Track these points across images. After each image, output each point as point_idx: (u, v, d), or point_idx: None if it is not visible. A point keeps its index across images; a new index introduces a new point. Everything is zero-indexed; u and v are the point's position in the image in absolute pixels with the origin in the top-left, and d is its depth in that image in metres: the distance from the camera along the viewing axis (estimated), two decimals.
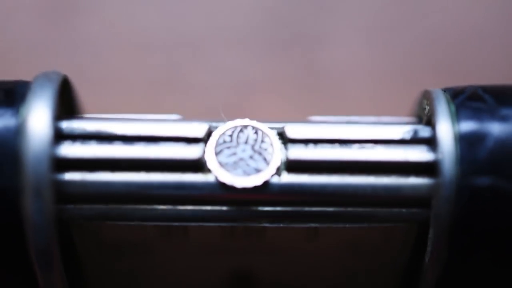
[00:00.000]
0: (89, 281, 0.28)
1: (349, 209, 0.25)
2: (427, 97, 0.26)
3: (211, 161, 0.25)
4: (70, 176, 0.25)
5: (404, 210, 0.25)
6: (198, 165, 0.25)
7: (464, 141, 0.24)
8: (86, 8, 0.43)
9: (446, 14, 0.43)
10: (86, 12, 0.42)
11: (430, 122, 0.26)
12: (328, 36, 0.42)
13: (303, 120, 0.29)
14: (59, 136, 0.25)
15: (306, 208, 0.25)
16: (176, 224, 0.26)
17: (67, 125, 0.25)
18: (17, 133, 0.24)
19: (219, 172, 0.25)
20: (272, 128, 0.26)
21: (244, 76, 0.41)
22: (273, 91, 0.39)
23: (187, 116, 0.29)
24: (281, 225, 0.26)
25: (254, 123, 0.26)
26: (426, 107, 0.26)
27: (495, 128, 0.25)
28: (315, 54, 0.42)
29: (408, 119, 0.28)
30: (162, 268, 0.29)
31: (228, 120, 0.27)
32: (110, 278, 0.29)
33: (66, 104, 0.28)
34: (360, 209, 0.25)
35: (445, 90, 0.26)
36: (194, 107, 0.38)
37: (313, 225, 0.26)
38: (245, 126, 0.26)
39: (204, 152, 0.25)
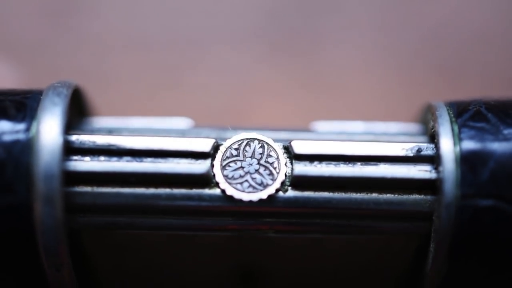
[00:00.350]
0: (98, 281, 0.29)
1: (352, 222, 0.26)
2: (431, 112, 0.27)
3: (218, 175, 0.26)
4: (80, 189, 0.25)
5: (405, 223, 0.26)
6: (205, 179, 0.25)
7: (466, 162, 0.25)
8: (86, 8, 0.42)
9: (447, 14, 0.43)
10: (86, 12, 0.42)
11: (433, 138, 0.26)
12: (330, 36, 0.42)
13: (306, 126, 0.29)
14: (70, 150, 0.25)
15: (310, 221, 0.26)
16: (183, 233, 0.27)
17: (77, 139, 0.26)
18: (29, 148, 0.25)
19: (226, 185, 0.25)
20: (277, 141, 0.26)
21: (244, 76, 0.41)
22: (273, 91, 0.39)
23: (193, 117, 0.30)
24: (286, 236, 0.27)
25: (260, 136, 0.26)
26: (431, 121, 0.27)
27: (498, 149, 0.25)
28: (316, 55, 0.42)
29: (413, 127, 0.29)
30: (169, 267, 0.30)
31: (233, 128, 0.27)
32: (119, 277, 0.30)
33: (78, 108, 0.28)
34: (362, 222, 0.26)
35: (449, 105, 0.27)
36: (194, 107, 0.38)
37: (316, 236, 0.27)
38: (252, 140, 0.26)
39: (211, 166, 0.26)
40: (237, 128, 0.27)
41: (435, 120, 0.26)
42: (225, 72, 0.41)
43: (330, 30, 0.42)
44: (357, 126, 0.29)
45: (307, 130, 0.29)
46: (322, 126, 0.29)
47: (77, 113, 0.28)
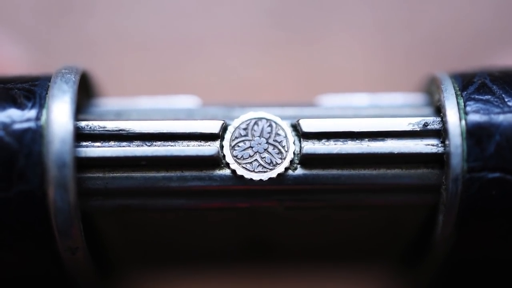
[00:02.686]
0: (113, 262, 0.30)
1: (361, 197, 0.26)
2: (436, 84, 0.27)
3: (227, 156, 0.26)
4: (92, 174, 0.26)
5: (413, 196, 0.26)
6: (215, 161, 0.26)
7: (472, 136, 0.25)
8: (86, 8, 0.42)
9: (447, 14, 0.43)
10: (86, 12, 0.42)
11: (439, 111, 0.26)
12: (330, 36, 0.42)
13: (311, 101, 0.30)
14: (80, 137, 0.26)
15: (320, 198, 0.26)
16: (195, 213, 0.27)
17: (87, 124, 0.26)
18: (40, 137, 0.25)
19: (236, 166, 0.26)
20: (284, 118, 0.27)
21: (244, 76, 0.41)
22: (273, 91, 0.39)
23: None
24: (295, 212, 0.27)
25: (268, 115, 0.26)
26: (436, 94, 0.27)
27: (503, 122, 0.25)
28: (316, 54, 0.42)
29: (418, 98, 0.29)
30: (181, 245, 0.30)
31: (240, 105, 0.28)
32: (133, 257, 0.30)
33: (85, 90, 0.28)
34: (371, 197, 0.26)
35: (454, 78, 0.27)
36: None
37: (326, 213, 0.27)
38: (260, 119, 0.26)
39: (220, 147, 0.26)
40: (244, 105, 0.28)
41: (440, 93, 0.26)
42: (225, 72, 0.42)
43: (330, 29, 0.42)
44: (363, 98, 0.29)
45: (313, 105, 0.29)
46: (327, 100, 0.29)
47: (85, 95, 0.28)
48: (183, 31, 0.42)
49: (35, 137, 0.25)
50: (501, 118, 0.25)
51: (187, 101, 0.29)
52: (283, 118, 0.27)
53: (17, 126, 0.25)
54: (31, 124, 0.25)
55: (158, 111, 0.28)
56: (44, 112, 0.25)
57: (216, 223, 0.29)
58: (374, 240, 0.31)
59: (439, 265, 0.28)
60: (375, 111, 0.28)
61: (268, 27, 0.43)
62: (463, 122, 0.25)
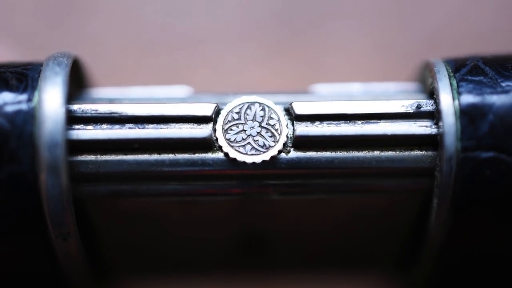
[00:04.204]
0: (105, 249, 0.29)
1: (355, 180, 0.26)
2: (429, 68, 0.27)
3: (220, 139, 0.26)
4: (84, 157, 0.26)
5: (408, 180, 0.26)
6: (208, 144, 0.26)
7: (465, 116, 0.25)
8: (86, 8, 0.43)
9: (447, 13, 0.43)
10: (86, 12, 0.43)
11: (432, 94, 0.26)
12: (330, 35, 0.42)
13: (305, 89, 0.30)
14: (72, 120, 0.26)
15: (313, 181, 0.26)
16: (188, 198, 0.27)
17: (79, 108, 0.26)
18: (32, 118, 0.25)
19: (229, 149, 0.26)
20: (278, 103, 0.27)
21: (244, 75, 0.42)
22: (273, 90, 0.39)
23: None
24: (290, 197, 0.27)
25: (261, 99, 0.26)
26: (429, 78, 0.27)
27: (496, 101, 0.25)
28: (316, 54, 0.42)
29: (411, 85, 0.29)
30: (174, 233, 0.30)
31: (234, 93, 0.28)
32: (125, 244, 0.30)
33: (78, 79, 0.28)
34: (365, 181, 0.26)
35: (447, 62, 0.27)
36: None
37: (320, 196, 0.27)
38: (252, 103, 0.26)
39: (213, 130, 0.26)
40: (237, 93, 0.28)
41: (433, 76, 0.26)
42: (225, 72, 0.42)
43: (330, 29, 0.42)
44: (356, 87, 0.29)
45: (306, 92, 0.29)
46: (321, 88, 0.29)
47: (77, 84, 0.28)
48: (183, 31, 0.43)
49: (27, 118, 0.25)
50: (494, 98, 0.25)
51: (180, 90, 0.29)
52: (276, 103, 0.26)
53: (9, 108, 0.25)
54: (23, 106, 0.25)
55: (151, 98, 0.28)
56: (36, 94, 0.25)
57: (210, 216, 0.29)
58: (371, 236, 0.30)
59: (436, 255, 0.27)
60: (369, 97, 0.28)
61: (267, 26, 0.43)
62: (456, 102, 0.25)
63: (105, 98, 0.28)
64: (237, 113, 0.26)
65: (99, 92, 0.29)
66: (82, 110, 0.26)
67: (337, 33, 0.42)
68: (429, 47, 0.42)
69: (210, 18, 0.43)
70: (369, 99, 0.27)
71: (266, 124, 0.26)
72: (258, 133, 0.26)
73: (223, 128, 0.26)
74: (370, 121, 0.26)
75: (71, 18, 0.43)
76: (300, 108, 0.26)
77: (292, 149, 0.26)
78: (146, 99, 0.27)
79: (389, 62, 0.42)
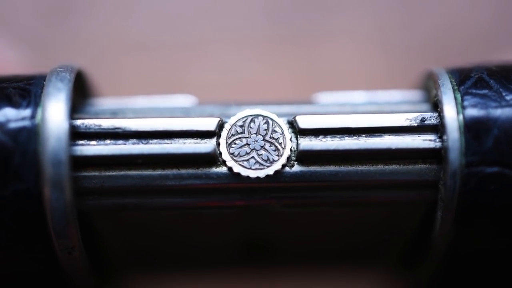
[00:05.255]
0: (110, 262, 0.30)
1: (359, 194, 0.26)
2: (434, 79, 0.27)
3: (224, 153, 0.26)
4: (88, 173, 0.26)
5: (412, 192, 0.26)
6: (212, 158, 0.26)
7: (470, 130, 0.25)
8: (86, 8, 0.42)
9: (447, 14, 0.43)
10: (86, 12, 0.42)
11: (436, 106, 0.26)
12: (330, 35, 0.42)
13: (308, 99, 0.29)
14: (76, 135, 0.25)
15: (317, 195, 0.26)
16: (192, 212, 0.27)
17: (82, 123, 0.26)
18: (35, 135, 0.25)
19: (232, 163, 0.26)
20: (281, 115, 0.26)
21: (244, 76, 0.41)
22: (272, 92, 0.39)
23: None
24: (293, 210, 0.27)
25: (265, 112, 0.26)
26: (433, 89, 0.27)
27: (501, 116, 0.25)
28: (316, 53, 0.42)
29: (415, 94, 0.29)
30: (178, 244, 0.30)
31: (236, 103, 0.27)
32: (130, 257, 0.30)
33: (81, 90, 0.28)
34: (369, 194, 0.26)
35: (451, 73, 0.27)
36: None
37: (324, 209, 0.27)
38: (256, 116, 0.26)
39: (217, 144, 0.26)
40: (240, 103, 0.27)
41: (437, 88, 0.26)
42: (225, 72, 0.42)
43: (330, 28, 0.42)
44: (360, 96, 0.29)
45: (310, 102, 0.29)
46: (324, 97, 0.29)
47: (81, 95, 0.28)
48: (182, 32, 0.42)
49: (30, 135, 0.25)
50: (498, 112, 0.25)
51: (183, 100, 0.29)
52: (279, 115, 0.26)
53: (12, 125, 0.25)
54: (26, 123, 0.25)
55: (154, 109, 0.28)
56: (39, 110, 0.25)
57: (213, 224, 0.29)
58: (373, 240, 0.30)
59: (438, 263, 0.28)
60: (372, 108, 0.28)
61: (267, 28, 0.43)
62: (461, 116, 0.25)
63: (108, 110, 0.28)
64: (241, 126, 0.26)
65: (102, 102, 0.29)
66: (86, 126, 0.26)
67: (339, 33, 0.42)
68: (431, 48, 0.41)
69: (210, 19, 0.43)
70: (373, 110, 0.27)
71: (270, 137, 0.26)
72: (262, 147, 0.26)
73: (226, 142, 0.26)
74: (374, 134, 0.26)
75: (71, 18, 0.42)
76: (304, 121, 0.26)
77: (296, 163, 0.26)
78: (149, 111, 0.27)
79: (390, 62, 0.41)
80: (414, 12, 0.43)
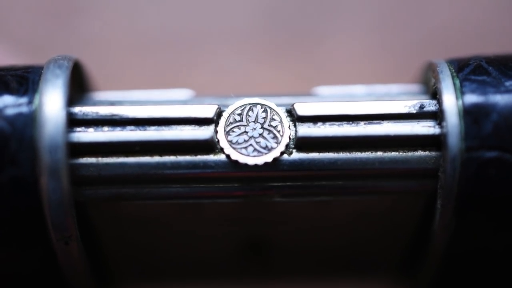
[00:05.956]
0: (108, 254, 0.29)
1: (358, 182, 0.26)
2: (432, 69, 0.27)
3: (222, 141, 0.26)
4: (85, 160, 0.25)
5: (411, 181, 0.26)
6: (210, 145, 0.25)
7: (469, 116, 0.25)
8: (86, 8, 0.43)
9: (447, 14, 0.43)
10: (86, 12, 0.43)
11: (435, 94, 0.26)
12: (330, 35, 0.42)
13: (307, 92, 0.29)
14: (73, 122, 0.25)
15: (316, 183, 0.26)
16: (190, 201, 0.27)
17: (80, 110, 0.26)
18: (32, 121, 0.25)
19: (230, 151, 0.26)
20: (280, 105, 0.26)
21: (244, 76, 0.42)
22: (272, 91, 0.39)
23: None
24: (292, 199, 0.27)
25: (263, 101, 0.26)
26: (432, 79, 0.27)
27: (500, 101, 0.25)
28: (316, 54, 0.42)
29: (414, 87, 0.29)
30: (176, 236, 0.30)
31: (235, 95, 0.27)
32: (127, 248, 0.30)
33: (79, 82, 0.28)
34: (368, 182, 0.26)
35: (450, 62, 0.27)
36: None
37: (323, 198, 0.27)
38: (254, 104, 0.26)
39: (215, 132, 0.26)
40: (239, 95, 0.27)
41: (436, 76, 0.26)
42: (225, 72, 0.42)
43: (330, 29, 0.42)
44: (359, 89, 0.29)
45: (309, 94, 0.29)
46: (323, 90, 0.29)
47: (78, 88, 0.28)
48: (182, 32, 0.43)
49: (27, 121, 0.25)
50: (498, 97, 0.25)
51: (181, 94, 0.29)
52: (278, 105, 0.26)
53: (10, 110, 0.25)
54: (24, 109, 0.25)
55: (152, 101, 0.28)
56: (36, 96, 0.25)
57: (212, 216, 0.29)
58: (374, 237, 0.30)
59: (440, 256, 0.27)
60: (371, 98, 0.27)
61: (267, 28, 0.43)
62: (460, 102, 0.25)
63: (106, 100, 0.27)
64: (239, 114, 0.26)
65: (100, 95, 0.29)
66: (83, 113, 0.26)
67: (339, 33, 0.42)
68: (431, 47, 0.42)
69: (211, 19, 0.43)
70: (372, 100, 0.27)
71: (268, 125, 0.26)
72: (260, 134, 0.26)
73: (224, 130, 0.26)
74: (373, 121, 0.26)
75: (72, 18, 0.43)
76: (302, 109, 0.26)
77: (294, 150, 0.26)
78: (147, 102, 0.27)
79: (391, 62, 0.41)
80: (413, 12, 0.43)
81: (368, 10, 0.43)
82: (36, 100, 0.25)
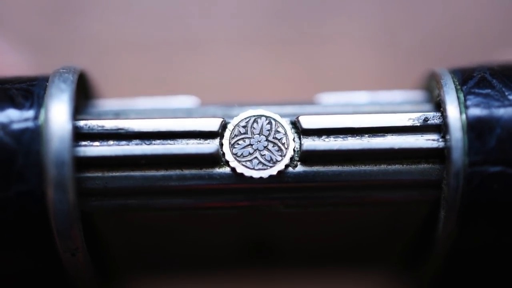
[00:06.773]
0: (113, 263, 0.30)
1: (362, 194, 0.26)
2: (436, 80, 0.27)
3: (227, 154, 0.26)
4: (91, 173, 0.26)
5: (415, 192, 0.26)
6: (215, 158, 0.26)
7: (473, 130, 0.25)
8: (86, 8, 0.43)
9: (449, 14, 0.43)
10: (86, 12, 0.42)
11: (439, 106, 0.26)
12: (331, 35, 0.42)
13: (311, 99, 0.30)
14: (79, 136, 0.25)
15: (320, 195, 0.26)
16: (195, 213, 0.27)
17: (85, 124, 0.26)
18: (38, 136, 0.25)
19: (236, 164, 0.26)
20: (283, 115, 0.26)
21: (244, 76, 0.41)
22: (273, 92, 0.39)
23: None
24: (297, 210, 0.27)
25: (267, 112, 0.26)
26: (436, 89, 0.27)
27: (504, 115, 0.25)
28: (318, 54, 0.42)
29: (417, 94, 0.29)
30: (182, 246, 0.30)
31: (239, 104, 0.27)
32: (134, 258, 0.30)
33: (83, 90, 0.28)
34: (372, 194, 0.26)
35: (454, 73, 0.27)
36: None
37: (327, 209, 0.27)
38: (259, 116, 0.26)
39: (220, 145, 0.26)
40: (243, 104, 0.27)
41: (440, 88, 0.26)
42: (226, 73, 0.42)
43: (330, 28, 0.42)
44: (362, 96, 0.29)
45: (312, 103, 0.29)
46: (327, 98, 0.29)
47: (83, 96, 0.28)
48: (182, 31, 0.42)
49: (33, 136, 0.25)
50: (501, 111, 0.25)
51: (186, 101, 0.29)
52: (282, 116, 0.26)
53: (16, 126, 0.25)
54: (30, 124, 0.25)
55: (157, 110, 0.28)
56: (42, 111, 0.25)
57: (217, 225, 0.29)
58: (376, 240, 0.30)
59: (441, 264, 0.28)
60: (375, 108, 0.28)
61: (269, 28, 0.43)
62: (464, 116, 0.25)
63: (111, 111, 0.28)
64: (244, 127, 0.26)
65: (104, 104, 0.29)
66: (89, 127, 0.26)
67: (339, 33, 0.42)
68: (433, 48, 0.42)
69: (211, 19, 0.43)
70: (375, 110, 0.27)
71: (273, 138, 0.26)
72: (265, 147, 0.26)
73: (229, 143, 0.26)
74: (377, 134, 0.26)
75: (72, 18, 0.42)
76: (307, 122, 0.26)
77: (299, 163, 0.26)
78: (152, 112, 0.27)
79: (391, 63, 0.41)
80: (415, 13, 0.43)
81: (370, 11, 0.43)
82: (41, 115, 0.25)
